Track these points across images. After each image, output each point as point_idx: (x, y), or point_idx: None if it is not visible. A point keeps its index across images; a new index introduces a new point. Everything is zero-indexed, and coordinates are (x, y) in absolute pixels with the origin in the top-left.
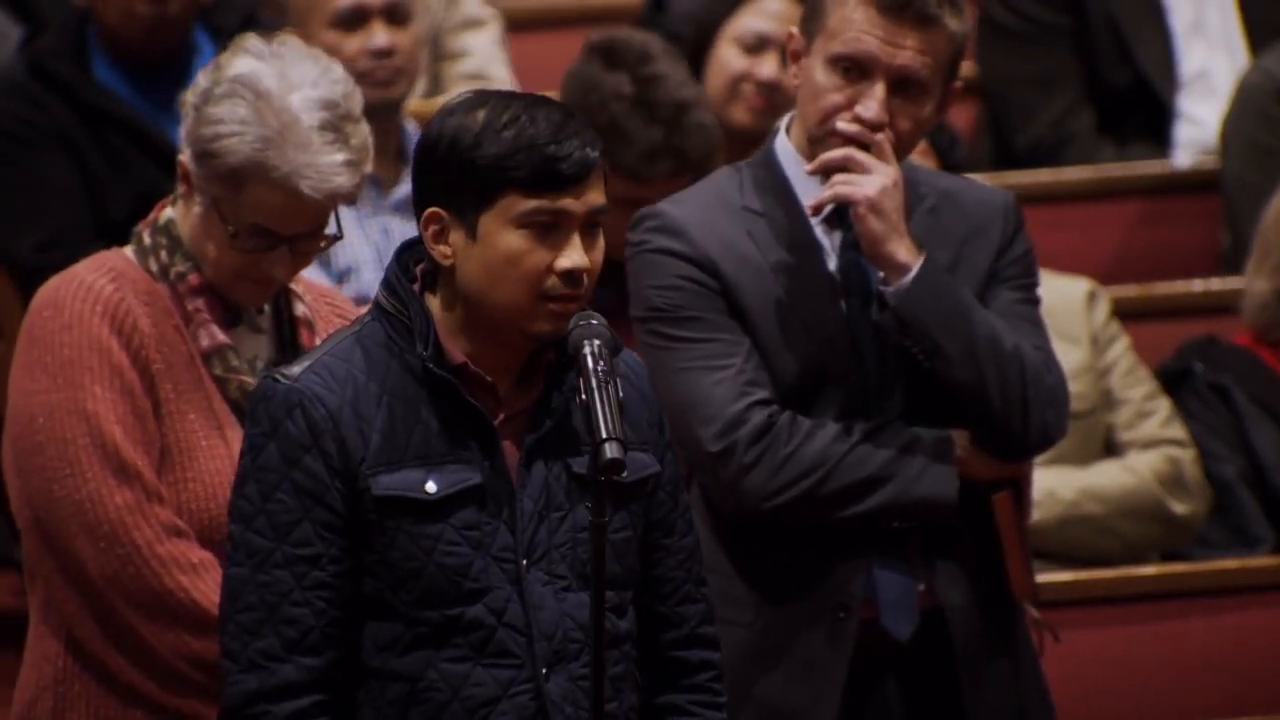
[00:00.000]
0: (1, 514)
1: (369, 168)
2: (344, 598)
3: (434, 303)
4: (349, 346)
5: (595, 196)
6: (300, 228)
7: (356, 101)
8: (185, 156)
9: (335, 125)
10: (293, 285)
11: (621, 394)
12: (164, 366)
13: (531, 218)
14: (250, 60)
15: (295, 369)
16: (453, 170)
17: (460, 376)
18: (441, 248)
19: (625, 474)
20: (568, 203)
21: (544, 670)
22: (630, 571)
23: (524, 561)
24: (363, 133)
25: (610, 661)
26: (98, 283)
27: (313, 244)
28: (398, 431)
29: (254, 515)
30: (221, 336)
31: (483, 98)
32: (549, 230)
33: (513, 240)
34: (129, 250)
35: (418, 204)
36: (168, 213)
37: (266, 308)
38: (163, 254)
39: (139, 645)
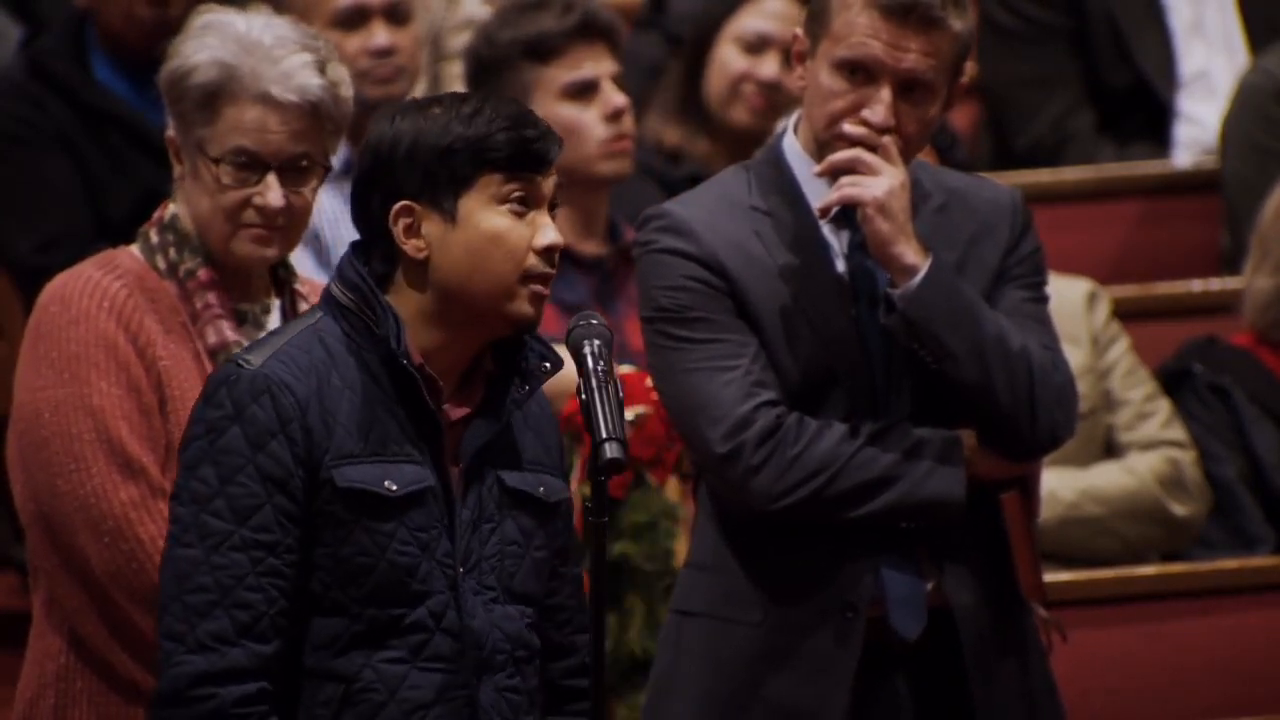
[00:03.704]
0: (2, 514)
1: (347, 92)
2: (294, 589)
3: (392, 301)
4: (308, 338)
5: (555, 177)
6: (282, 145)
7: (324, 46)
8: (170, 128)
9: (295, 39)
10: (297, 286)
11: (531, 418)
12: (170, 363)
13: (510, 196)
14: (214, 15)
15: (257, 356)
16: (422, 162)
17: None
18: (414, 241)
19: (621, 470)
20: (540, 181)
21: (475, 679)
22: (542, 591)
23: (461, 569)
24: (329, 50)
25: (528, 675)
26: (105, 279)
27: (303, 178)
28: (358, 426)
29: (211, 498)
30: (230, 333)
31: (423, 101)
32: (524, 209)
33: (495, 219)
34: (135, 248)
35: (365, 211)
36: (171, 209)
37: (274, 307)
38: (171, 251)
39: (142, 642)
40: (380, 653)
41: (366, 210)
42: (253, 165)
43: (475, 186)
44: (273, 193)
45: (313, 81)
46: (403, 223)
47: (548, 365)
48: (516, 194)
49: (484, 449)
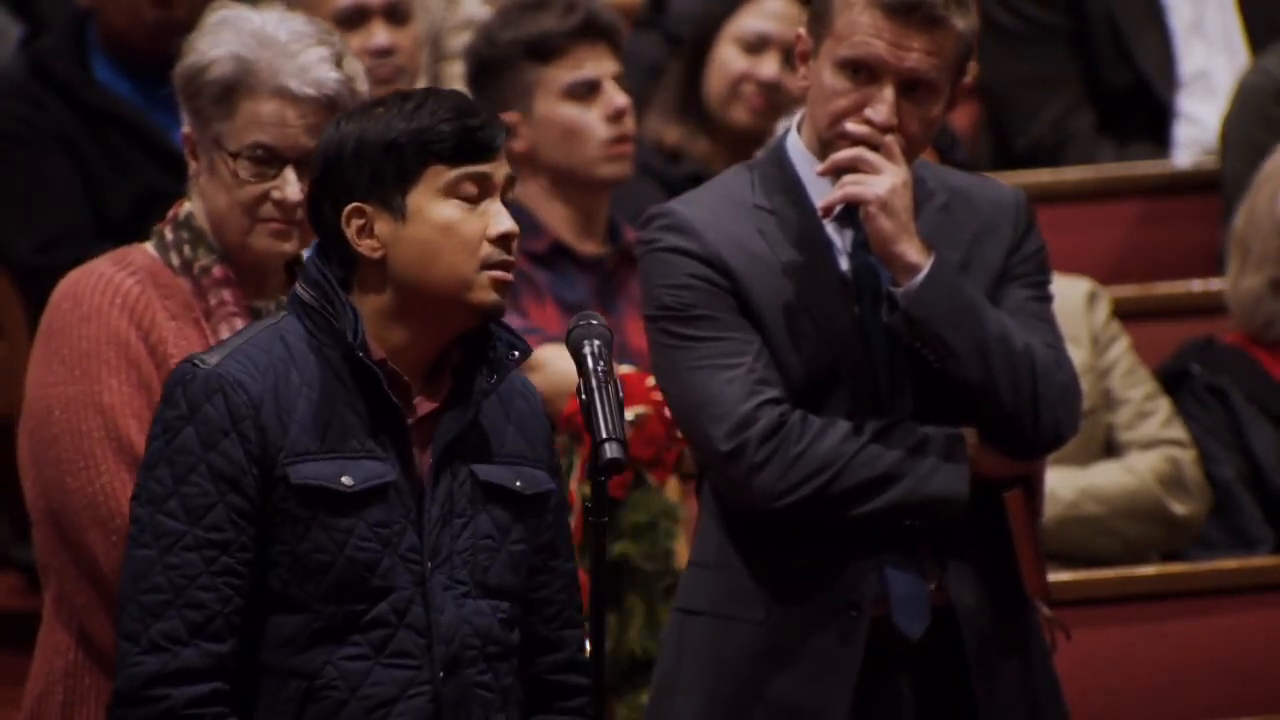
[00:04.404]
0: (3, 514)
1: (362, 86)
2: (248, 587)
3: (355, 300)
4: (269, 338)
5: (506, 165)
6: (299, 138)
7: (339, 41)
8: (185, 124)
9: (311, 33)
10: None
11: (514, 412)
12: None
13: (458, 186)
14: (229, 10)
15: (214, 356)
16: (368, 161)
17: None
18: (368, 241)
19: (623, 468)
20: (489, 168)
21: (441, 674)
22: (521, 585)
23: (429, 564)
24: (341, 44)
25: (501, 673)
26: (117, 276)
27: None
28: (316, 423)
29: (166, 498)
30: None
31: (367, 103)
32: (475, 199)
33: (445, 210)
34: (150, 245)
35: (319, 216)
36: (187, 207)
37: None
38: (185, 249)
39: None
40: (342, 649)
41: (320, 216)
42: (270, 159)
43: (422, 180)
44: (290, 187)
45: (330, 75)
46: (355, 224)
47: (516, 353)
48: (466, 184)
49: (455, 442)
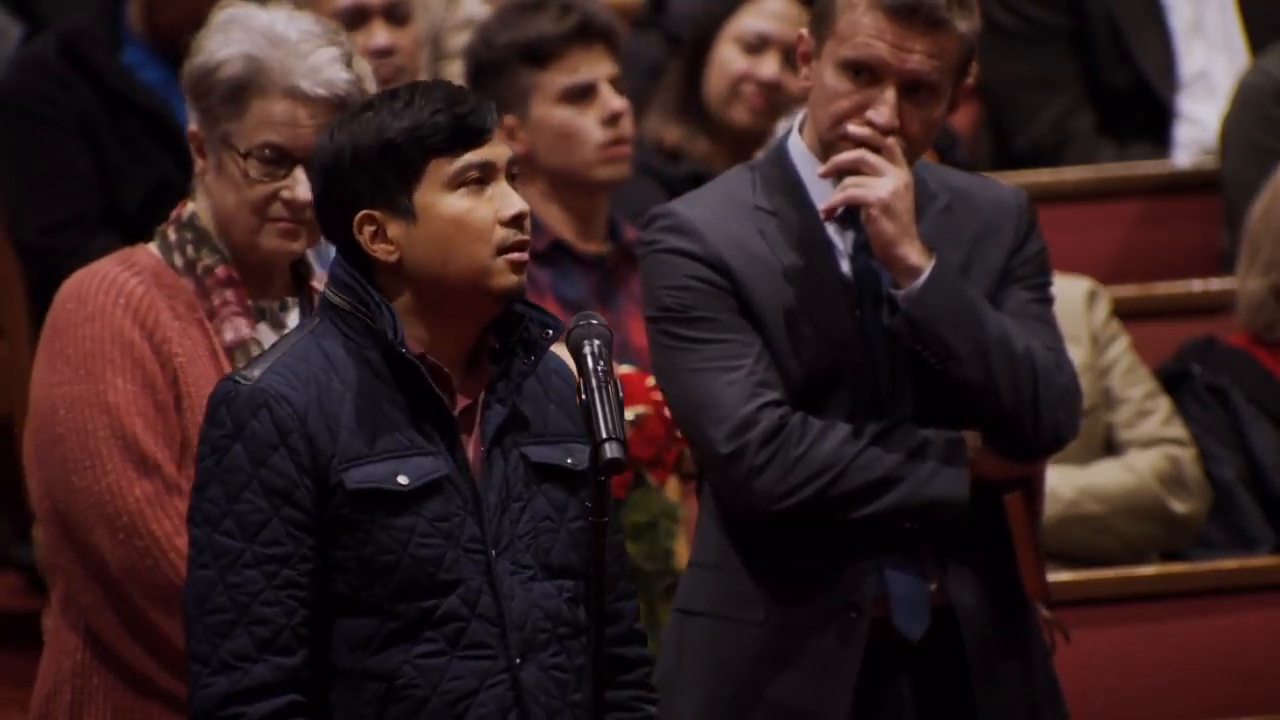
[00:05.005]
0: (3, 514)
1: (371, 86)
2: (313, 597)
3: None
4: (306, 346)
5: (505, 147)
6: (309, 139)
7: (348, 41)
8: (193, 123)
9: (320, 33)
10: (316, 285)
11: (553, 390)
12: (186, 360)
13: (463, 175)
14: (237, 9)
15: (255, 371)
16: (368, 167)
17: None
18: (383, 246)
19: (621, 468)
20: (488, 152)
21: (517, 660)
22: (582, 562)
23: (493, 552)
24: (350, 44)
25: (573, 652)
26: (121, 276)
27: None
28: (364, 426)
29: (220, 517)
30: (247, 330)
31: (353, 110)
32: (481, 185)
33: (454, 203)
34: (153, 246)
35: (332, 223)
36: (190, 207)
37: (294, 307)
38: (189, 249)
39: (156, 638)
40: (417, 647)
41: (331, 226)
42: (280, 159)
43: (425, 177)
44: (301, 186)
45: (340, 76)
46: (367, 231)
47: (550, 332)
48: (469, 173)
49: (503, 427)
